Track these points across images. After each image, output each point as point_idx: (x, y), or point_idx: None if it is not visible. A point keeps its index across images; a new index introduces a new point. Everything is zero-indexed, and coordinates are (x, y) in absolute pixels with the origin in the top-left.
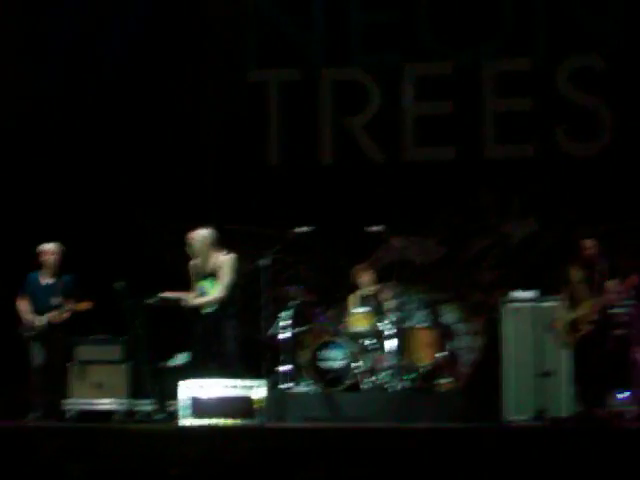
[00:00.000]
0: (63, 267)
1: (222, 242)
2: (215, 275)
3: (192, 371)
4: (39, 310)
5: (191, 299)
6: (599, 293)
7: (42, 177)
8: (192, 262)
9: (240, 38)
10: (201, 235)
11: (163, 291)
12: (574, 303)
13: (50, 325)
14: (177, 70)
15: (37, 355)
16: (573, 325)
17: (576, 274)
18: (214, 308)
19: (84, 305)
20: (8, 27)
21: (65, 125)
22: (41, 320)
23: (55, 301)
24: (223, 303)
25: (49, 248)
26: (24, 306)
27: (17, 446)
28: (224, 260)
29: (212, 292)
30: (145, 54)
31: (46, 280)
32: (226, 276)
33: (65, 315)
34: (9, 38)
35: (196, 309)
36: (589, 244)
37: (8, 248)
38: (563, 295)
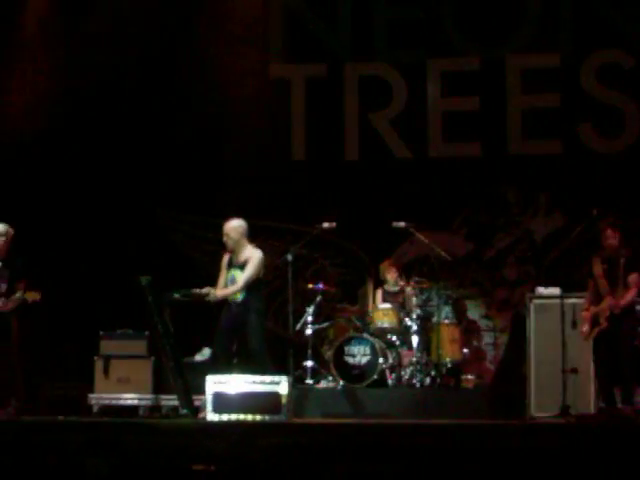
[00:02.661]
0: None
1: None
2: (243, 267)
3: (215, 363)
4: None
5: (217, 292)
6: (621, 288)
7: (60, 169)
8: (226, 255)
9: (266, 33)
10: (236, 225)
11: (187, 286)
12: (597, 297)
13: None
14: (202, 64)
15: None
16: (595, 319)
17: (598, 268)
18: (241, 298)
19: (32, 295)
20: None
21: (83, 117)
22: None
23: (3, 288)
24: (249, 298)
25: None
26: None
27: (42, 440)
28: (253, 253)
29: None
30: (169, 47)
31: None
32: (250, 269)
33: (11, 305)
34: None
35: (224, 300)
36: (610, 233)
37: None
38: (589, 290)
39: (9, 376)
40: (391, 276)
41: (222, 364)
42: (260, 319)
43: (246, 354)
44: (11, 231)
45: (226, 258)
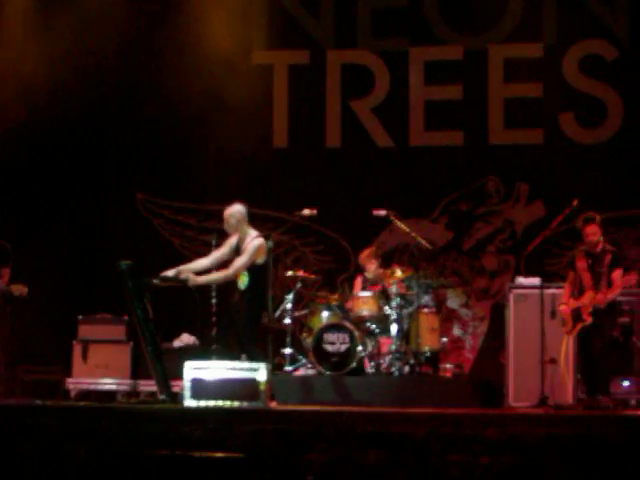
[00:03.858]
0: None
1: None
2: None
3: (219, 348)
4: None
5: (198, 278)
6: (604, 283)
7: (42, 154)
8: (234, 237)
9: (248, 19)
10: (234, 211)
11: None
12: (578, 291)
13: None
14: (185, 50)
15: None
16: (577, 313)
17: (582, 262)
18: (244, 286)
19: (19, 288)
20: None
21: (65, 101)
22: None
23: None
24: (253, 285)
25: None
26: None
27: (20, 425)
28: (251, 242)
29: (244, 272)
30: (151, 33)
31: None
32: (243, 258)
33: None
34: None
35: (233, 285)
36: (591, 230)
37: None
38: (568, 281)
39: None
40: (370, 266)
41: (226, 352)
42: (258, 309)
43: (238, 341)
44: None
45: (234, 239)
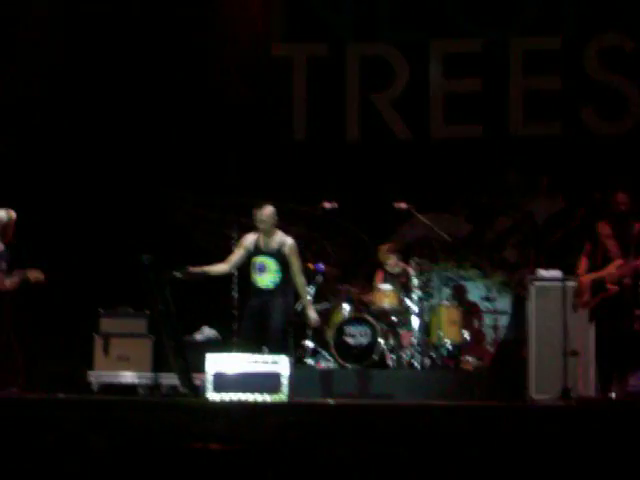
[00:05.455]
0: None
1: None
2: (277, 254)
3: (239, 343)
4: None
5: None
6: (633, 253)
7: (62, 148)
8: (250, 238)
9: (267, 11)
10: (271, 212)
11: (188, 264)
12: (596, 262)
13: None
14: (204, 43)
15: None
16: (598, 284)
17: (606, 228)
18: (273, 285)
19: (35, 274)
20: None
21: (86, 95)
22: None
23: (3, 265)
24: (282, 283)
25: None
26: None
27: (41, 418)
28: (292, 245)
29: (274, 270)
30: (171, 25)
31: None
32: (298, 261)
33: (9, 284)
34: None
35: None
36: (622, 199)
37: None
38: (585, 254)
39: (7, 355)
40: (390, 260)
41: (243, 342)
42: (288, 306)
43: (267, 335)
44: (14, 215)
45: (250, 240)
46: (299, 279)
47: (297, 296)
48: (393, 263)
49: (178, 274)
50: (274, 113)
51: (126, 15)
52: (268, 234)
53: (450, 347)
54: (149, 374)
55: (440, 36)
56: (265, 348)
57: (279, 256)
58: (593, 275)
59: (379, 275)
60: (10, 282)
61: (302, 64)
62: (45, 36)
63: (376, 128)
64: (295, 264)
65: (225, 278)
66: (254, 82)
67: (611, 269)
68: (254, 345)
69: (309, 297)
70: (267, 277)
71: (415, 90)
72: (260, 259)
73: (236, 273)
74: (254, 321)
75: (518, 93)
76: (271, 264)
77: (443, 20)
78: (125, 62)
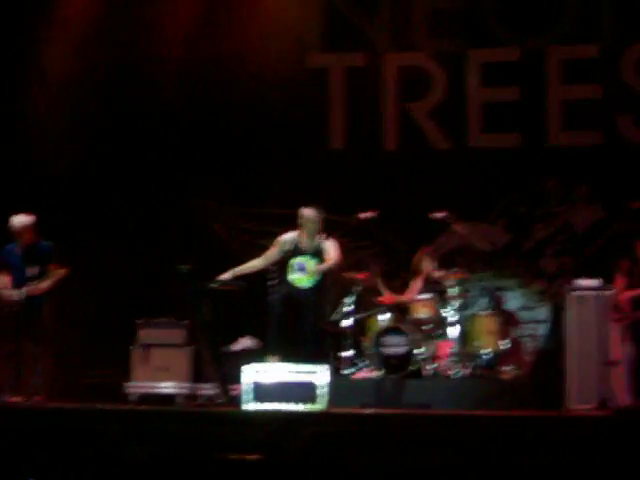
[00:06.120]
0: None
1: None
2: (317, 254)
3: (268, 349)
4: (19, 284)
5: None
6: None
7: (101, 157)
8: (289, 237)
9: (304, 21)
10: (318, 215)
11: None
12: (634, 280)
13: (30, 299)
14: (239, 53)
15: (16, 334)
16: (636, 302)
17: None
18: (312, 286)
19: (59, 272)
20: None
21: (122, 104)
22: (20, 294)
23: (34, 271)
24: (320, 283)
25: (22, 220)
26: (2, 281)
27: (80, 427)
28: (330, 241)
29: (313, 269)
30: (209, 35)
31: (21, 251)
32: (336, 252)
33: (43, 286)
34: None
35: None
36: None
37: None
38: (622, 272)
39: (33, 363)
40: (426, 269)
41: (276, 351)
42: (322, 309)
43: (302, 338)
44: (31, 218)
45: (289, 239)
46: (331, 261)
47: (334, 306)
48: (430, 270)
49: (215, 285)
50: (312, 123)
51: (164, 26)
52: (311, 235)
53: (488, 356)
54: (187, 384)
55: (477, 45)
56: (299, 351)
57: (319, 256)
58: (632, 292)
59: (416, 284)
60: (36, 287)
61: (339, 74)
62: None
63: (414, 137)
64: (336, 252)
65: (264, 288)
66: (291, 92)
67: None
68: (287, 345)
69: (349, 307)
70: (306, 277)
71: (453, 99)
72: (300, 259)
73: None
74: (285, 322)
75: (556, 101)
76: (311, 264)
77: (480, 29)
78: (163, 72)
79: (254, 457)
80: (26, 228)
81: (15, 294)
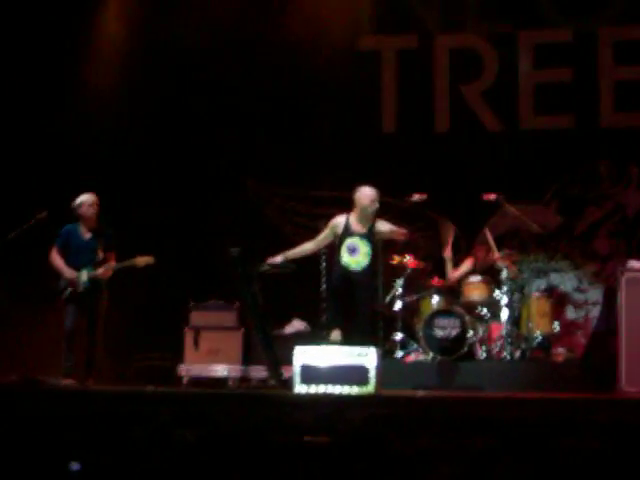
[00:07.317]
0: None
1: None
2: (370, 235)
3: (330, 325)
4: (79, 266)
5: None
6: None
7: (151, 140)
8: (340, 220)
9: (355, 4)
10: (375, 193)
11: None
12: None
13: (93, 282)
14: (292, 38)
15: (72, 316)
16: None
17: None
18: (361, 267)
19: (145, 259)
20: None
21: (174, 87)
22: (85, 275)
23: (100, 256)
24: (372, 266)
25: (91, 199)
26: (60, 261)
27: (131, 411)
28: (385, 222)
29: (365, 252)
30: (259, 20)
31: (88, 234)
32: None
33: (110, 272)
34: None
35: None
36: None
37: None
38: None
39: (90, 346)
40: (480, 253)
41: (336, 323)
42: (376, 289)
43: (356, 320)
44: (96, 199)
45: (339, 221)
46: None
47: (386, 288)
48: (483, 254)
49: (266, 267)
50: (364, 106)
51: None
52: (364, 217)
53: (540, 338)
54: (239, 367)
55: (529, 26)
56: (353, 331)
57: (371, 238)
58: None
59: (468, 265)
60: (106, 270)
61: (391, 56)
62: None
63: (465, 119)
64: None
65: (315, 271)
66: (344, 76)
67: None
68: (341, 327)
69: (399, 289)
70: (358, 258)
71: (504, 81)
72: (351, 240)
73: (324, 270)
74: (342, 302)
75: (609, 83)
76: (363, 245)
77: (532, 10)
78: (214, 56)
79: (306, 439)
80: (93, 209)
81: (83, 275)
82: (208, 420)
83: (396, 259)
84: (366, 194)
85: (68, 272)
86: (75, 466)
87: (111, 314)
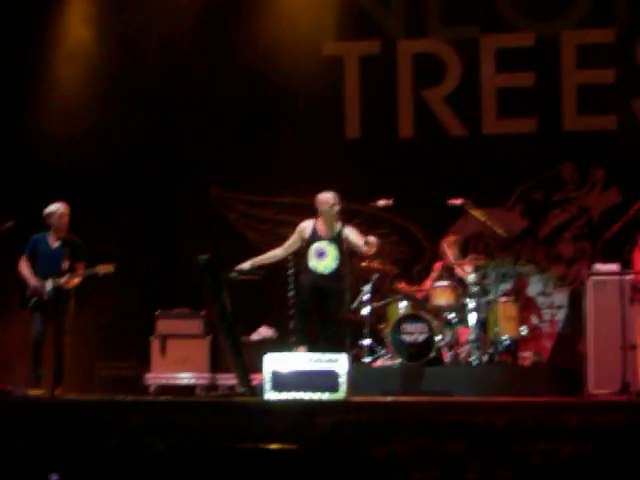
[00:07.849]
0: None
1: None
2: (337, 239)
3: (296, 340)
4: (45, 275)
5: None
6: None
7: (116, 149)
8: (307, 224)
9: (319, 10)
10: (335, 198)
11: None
12: None
13: (58, 291)
14: (255, 43)
15: (38, 325)
16: None
17: None
18: (330, 270)
19: (105, 267)
20: None
21: (138, 95)
22: (50, 284)
23: (66, 265)
24: (340, 269)
25: (61, 209)
26: (27, 270)
27: (99, 420)
28: (352, 228)
29: (333, 256)
30: (223, 26)
31: (56, 243)
32: (359, 235)
33: (77, 280)
34: None
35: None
36: None
37: None
38: None
39: (57, 355)
40: (451, 252)
41: (304, 342)
42: (344, 292)
43: (326, 326)
44: (66, 208)
45: (306, 226)
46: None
47: (353, 295)
48: (454, 254)
49: (234, 274)
50: (327, 112)
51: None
52: (330, 221)
53: (507, 343)
54: (206, 375)
55: (491, 31)
56: (321, 339)
57: (339, 242)
58: None
59: (435, 271)
60: (71, 278)
61: (354, 62)
62: None
63: (429, 124)
64: (357, 235)
65: (281, 278)
66: (307, 82)
67: None
68: (308, 342)
69: (367, 295)
70: (326, 262)
71: (467, 85)
72: (319, 244)
73: (292, 276)
74: (310, 315)
75: (571, 86)
76: (331, 249)
77: (494, 14)
78: (178, 62)
79: (275, 446)
80: (63, 218)
81: (48, 284)
82: (179, 428)
83: (364, 263)
84: (324, 199)
85: (33, 281)
86: (54, 477)
87: (77, 323)
